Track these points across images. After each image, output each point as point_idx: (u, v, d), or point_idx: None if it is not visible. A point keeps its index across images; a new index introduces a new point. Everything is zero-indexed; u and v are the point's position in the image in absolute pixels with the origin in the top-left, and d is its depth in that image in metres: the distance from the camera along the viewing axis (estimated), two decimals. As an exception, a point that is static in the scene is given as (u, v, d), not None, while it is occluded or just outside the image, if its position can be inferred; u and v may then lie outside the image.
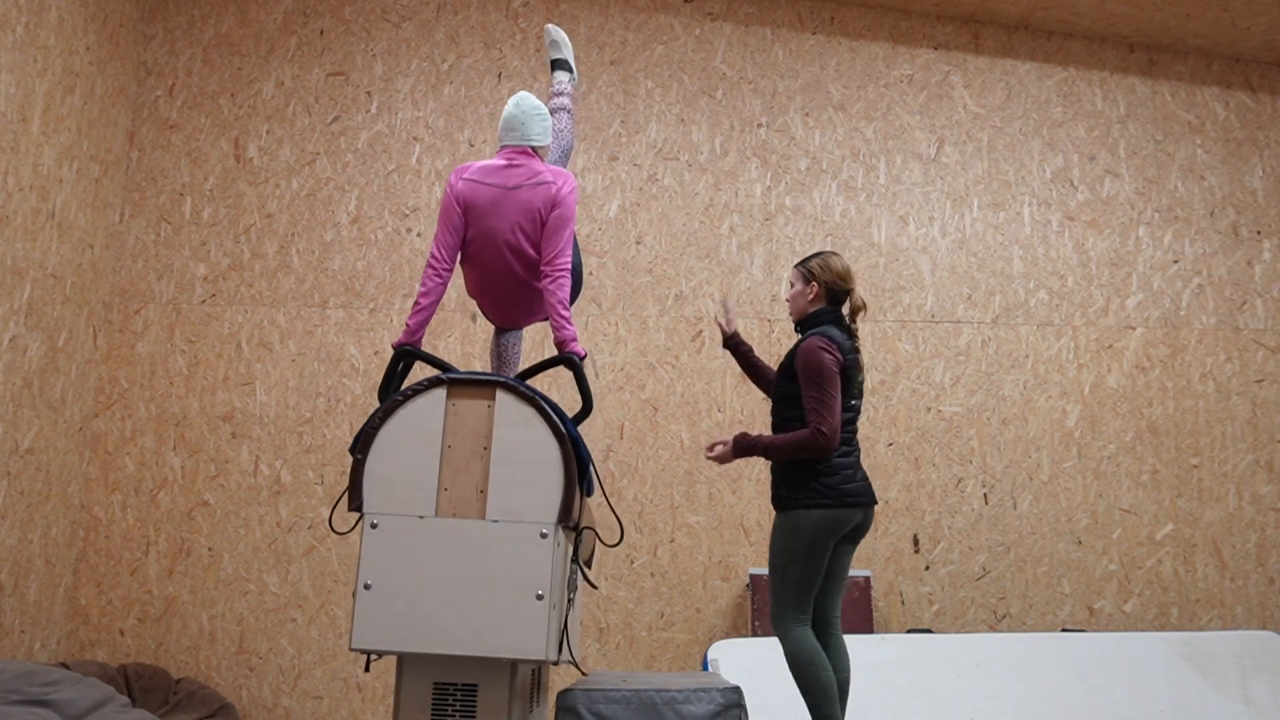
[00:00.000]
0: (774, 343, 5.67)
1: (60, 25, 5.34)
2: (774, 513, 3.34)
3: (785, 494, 3.27)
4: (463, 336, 5.75)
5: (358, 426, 5.67)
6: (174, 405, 5.76)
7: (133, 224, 5.99)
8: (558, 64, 4.09)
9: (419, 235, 5.88)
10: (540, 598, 2.81)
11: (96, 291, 5.77)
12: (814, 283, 3.39)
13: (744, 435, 3.33)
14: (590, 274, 5.82)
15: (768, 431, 3.49)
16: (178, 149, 6.07)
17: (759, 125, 5.98)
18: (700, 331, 5.74)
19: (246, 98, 6.11)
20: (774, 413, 3.41)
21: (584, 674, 3.37)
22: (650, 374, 5.70)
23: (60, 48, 5.35)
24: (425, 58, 6.13)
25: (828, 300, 3.40)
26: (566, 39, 4.14)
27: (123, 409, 5.77)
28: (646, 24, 6.12)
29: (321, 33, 6.19)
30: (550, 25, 4.16)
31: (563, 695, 3.10)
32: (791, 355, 3.33)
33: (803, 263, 3.45)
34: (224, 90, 6.13)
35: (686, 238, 5.86)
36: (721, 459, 3.35)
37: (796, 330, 3.47)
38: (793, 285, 3.46)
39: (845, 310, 3.44)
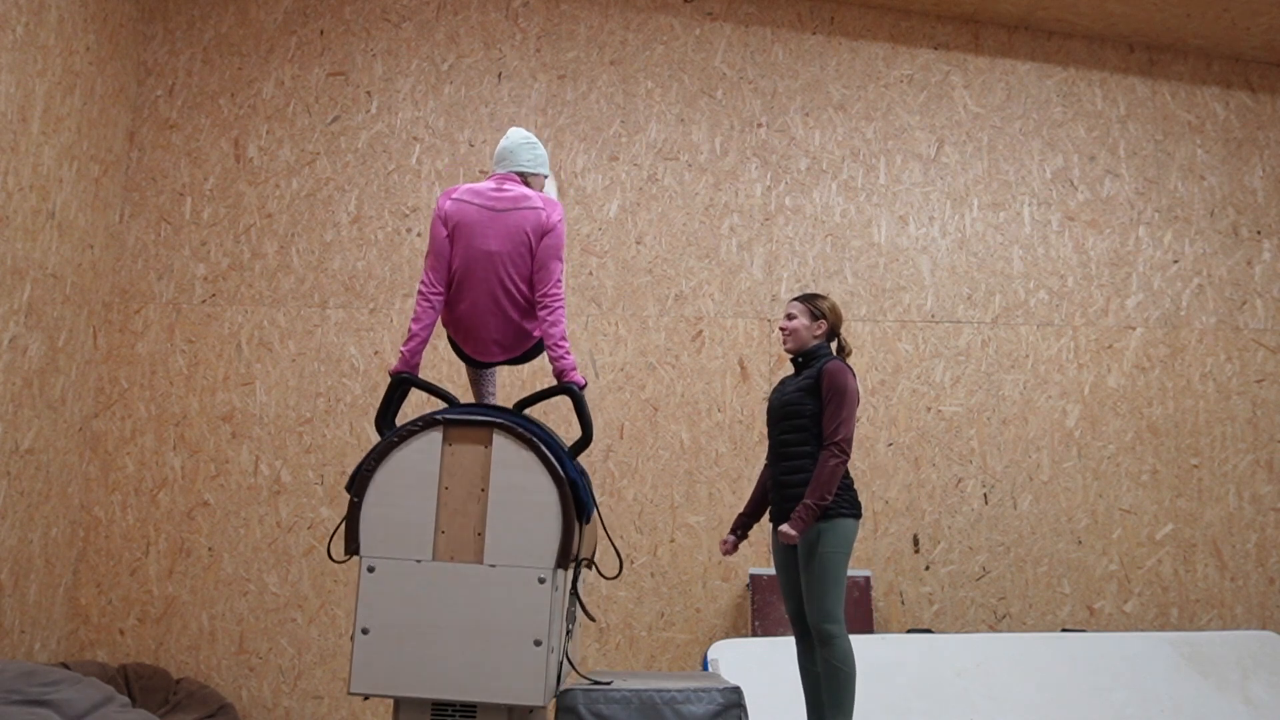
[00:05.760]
0: (774, 343, 5.67)
1: (60, 25, 5.34)
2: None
3: (830, 504, 3.47)
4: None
5: (358, 426, 5.68)
6: (174, 405, 5.76)
7: (133, 224, 5.99)
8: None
9: (419, 235, 5.88)
10: (538, 644, 2.80)
11: (96, 291, 5.77)
12: (822, 320, 3.69)
13: (798, 512, 3.43)
14: (590, 274, 5.83)
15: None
16: (178, 149, 6.07)
17: (759, 125, 5.98)
18: (700, 331, 5.74)
19: (246, 98, 6.11)
20: (794, 429, 3.58)
21: (584, 676, 3.37)
22: (650, 374, 5.70)
23: (60, 48, 5.35)
24: (425, 58, 6.13)
25: (827, 338, 3.72)
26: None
27: (123, 409, 5.77)
28: (646, 24, 6.12)
29: (321, 33, 6.19)
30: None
31: (563, 695, 3.09)
32: (814, 378, 3.57)
33: (811, 301, 3.73)
34: (224, 90, 6.13)
35: (686, 238, 5.86)
36: (801, 531, 3.44)
37: (795, 360, 3.73)
38: (794, 318, 3.71)
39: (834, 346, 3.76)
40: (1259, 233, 5.81)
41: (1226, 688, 4.78)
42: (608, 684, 3.11)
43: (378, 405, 3.41)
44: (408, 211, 5.94)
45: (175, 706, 5.17)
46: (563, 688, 3.13)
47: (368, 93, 6.10)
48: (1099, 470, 5.55)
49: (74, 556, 5.59)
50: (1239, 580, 5.43)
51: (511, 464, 2.91)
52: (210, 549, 5.59)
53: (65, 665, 4.95)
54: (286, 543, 5.58)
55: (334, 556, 3.20)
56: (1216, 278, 5.77)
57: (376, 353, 5.75)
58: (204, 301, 5.88)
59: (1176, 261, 5.80)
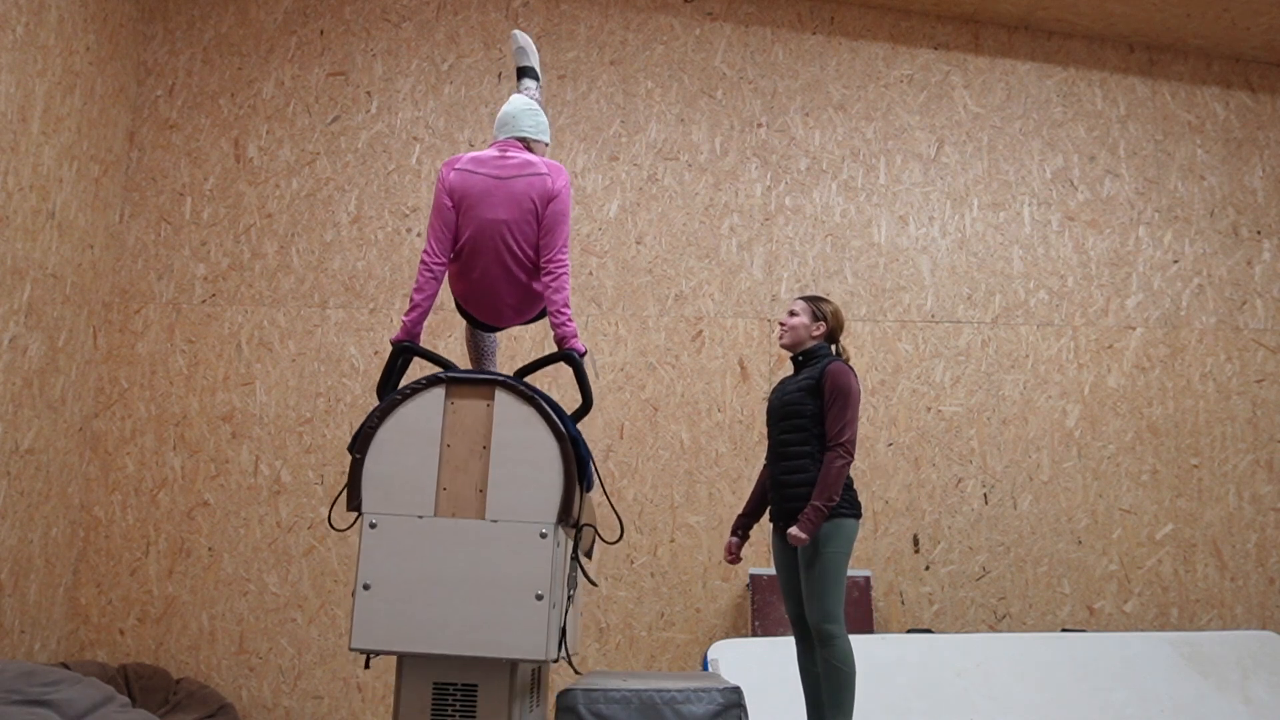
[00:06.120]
0: (774, 343, 5.67)
1: (60, 25, 5.34)
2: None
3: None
4: (463, 335, 5.75)
5: (358, 426, 5.67)
6: (174, 405, 5.76)
7: (133, 224, 5.99)
8: (525, 71, 3.94)
9: (419, 235, 5.89)
10: (540, 598, 2.80)
11: (96, 291, 5.77)
12: (822, 323, 3.69)
13: (806, 514, 3.41)
14: (590, 274, 5.83)
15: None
16: (178, 149, 6.07)
17: (759, 125, 5.98)
18: (700, 331, 5.74)
19: (246, 98, 6.11)
20: (794, 428, 3.58)
21: (578, 673, 3.38)
22: (650, 374, 5.70)
23: (60, 48, 5.35)
24: (425, 58, 6.13)
25: (825, 339, 3.72)
26: (533, 45, 3.98)
27: (123, 409, 5.77)
28: (646, 24, 6.12)
29: (321, 33, 6.19)
30: (517, 31, 4.01)
31: (563, 695, 3.10)
32: (815, 378, 3.57)
33: (816, 302, 3.74)
34: (224, 90, 6.13)
35: (686, 238, 5.86)
36: (810, 534, 3.43)
37: (795, 360, 3.73)
38: (796, 315, 3.72)
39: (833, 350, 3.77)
40: (1259, 233, 5.82)
41: (1226, 688, 4.78)
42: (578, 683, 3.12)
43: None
44: (408, 211, 5.94)
45: (175, 706, 5.17)
46: (560, 689, 3.13)
47: (368, 93, 6.10)
48: (1099, 470, 5.55)
49: (74, 556, 5.59)
50: (1239, 580, 5.43)
51: (513, 421, 2.92)
52: (210, 549, 5.60)
53: (65, 665, 4.95)
54: (286, 543, 5.58)
55: (335, 525, 3.20)
56: (1216, 278, 5.77)
57: (376, 353, 5.75)
58: (204, 301, 5.88)
59: (1176, 261, 5.80)
